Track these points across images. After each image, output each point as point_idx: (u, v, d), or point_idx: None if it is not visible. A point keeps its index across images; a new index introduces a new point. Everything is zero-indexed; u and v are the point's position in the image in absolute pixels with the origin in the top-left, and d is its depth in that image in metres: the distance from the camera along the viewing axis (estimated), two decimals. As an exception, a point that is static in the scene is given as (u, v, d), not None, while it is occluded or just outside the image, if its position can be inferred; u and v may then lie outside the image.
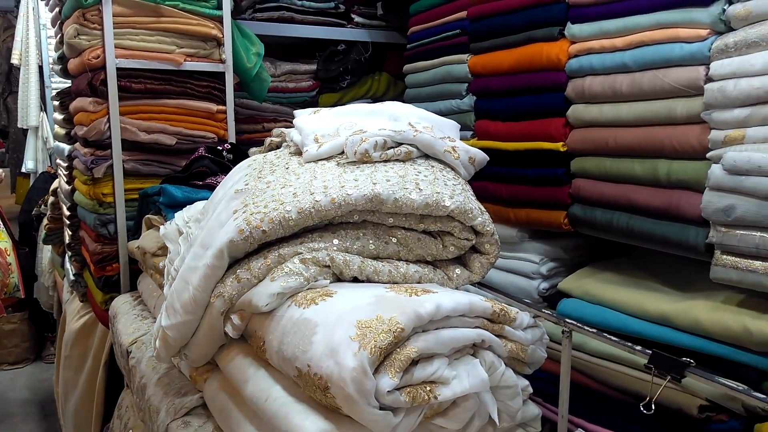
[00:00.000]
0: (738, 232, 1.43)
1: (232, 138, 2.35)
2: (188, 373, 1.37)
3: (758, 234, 1.39)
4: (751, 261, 1.42)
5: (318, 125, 1.43)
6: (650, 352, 0.94)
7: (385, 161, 1.29)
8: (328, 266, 1.14)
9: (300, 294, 1.10)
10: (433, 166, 1.31)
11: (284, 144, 1.55)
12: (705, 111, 1.52)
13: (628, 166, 1.75)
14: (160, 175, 2.22)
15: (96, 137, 2.13)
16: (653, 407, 0.98)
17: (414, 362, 0.94)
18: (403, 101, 2.73)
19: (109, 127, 2.11)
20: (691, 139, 1.57)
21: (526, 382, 1.09)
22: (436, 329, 0.98)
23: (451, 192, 1.20)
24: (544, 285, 2.08)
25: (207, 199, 1.81)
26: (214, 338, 1.21)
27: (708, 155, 1.51)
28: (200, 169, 2.02)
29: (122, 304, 2.00)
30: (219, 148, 2.14)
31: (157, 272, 1.79)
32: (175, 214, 1.74)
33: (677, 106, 1.60)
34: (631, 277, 1.88)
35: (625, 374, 1.64)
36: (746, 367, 1.47)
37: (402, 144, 1.33)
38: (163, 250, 1.77)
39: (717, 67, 1.48)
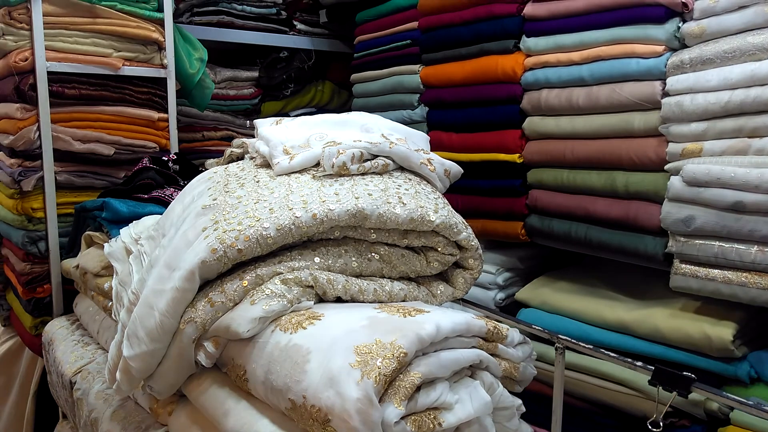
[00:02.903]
0: (697, 241, 1.48)
1: (174, 147, 2.22)
2: (148, 405, 1.26)
3: (717, 243, 1.44)
4: (710, 270, 1.47)
5: (286, 136, 1.36)
6: (653, 368, 0.94)
7: (363, 174, 1.24)
8: (311, 286, 1.08)
9: (284, 318, 1.03)
10: (410, 179, 1.27)
11: (247, 155, 1.46)
12: (662, 125, 1.57)
13: (585, 177, 1.79)
14: (96, 188, 2.06)
15: (24, 147, 1.95)
16: (661, 425, 0.98)
17: (417, 388, 0.89)
18: (350, 110, 2.70)
19: (40, 135, 1.94)
20: (648, 151, 1.62)
21: (519, 401, 1.06)
22: (436, 351, 0.94)
23: (435, 206, 1.17)
24: (501, 295, 2.09)
25: (155, 213, 1.70)
26: (183, 367, 1.11)
27: (666, 167, 1.56)
28: (145, 181, 1.89)
29: (58, 329, 1.83)
30: (164, 158, 2.01)
31: (100, 294, 1.65)
32: (121, 231, 1.61)
33: (634, 120, 1.65)
34: (586, 286, 1.91)
35: (595, 385, 1.65)
36: (707, 372, 1.53)
37: (378, 156, 1.29)
38: (108, 270, 1.64)
39: (673, 82, 1.54)
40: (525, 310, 1.94)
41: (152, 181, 1.88)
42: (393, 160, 1.30)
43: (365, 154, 1.27)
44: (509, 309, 2.04)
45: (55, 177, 1.99)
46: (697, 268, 1.50)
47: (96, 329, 1.68)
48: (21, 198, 1.97)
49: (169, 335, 1.09)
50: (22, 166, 1.97)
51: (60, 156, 2.01)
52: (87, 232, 1.79)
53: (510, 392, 1.07)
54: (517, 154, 1.96)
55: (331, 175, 1.22)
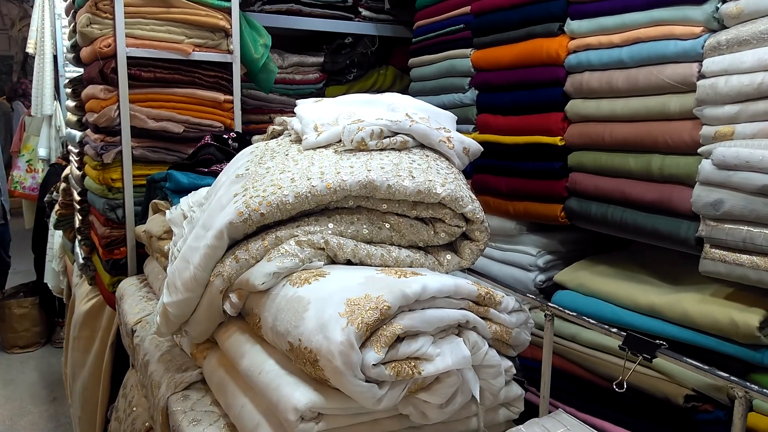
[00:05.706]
0: (726, 226, 1.46)
1: (238, 127, 2.40)
2: (189, 350, 1.42)
3: (745, 228, 1.42)
4: (738, 255, 1.45)
5: (318, 114, 1.47)
6: (624, 334, 0.98)
7: (381, 150, 1.34)
8: (323, 248, 1.19)
9: (295, 274, 1.14)
10: (427, 156, 1.35)
11: (285, 132, 1.60)
12: (697, 107, 1.55)
13: (622, 160, 1.79)
14: (167, 162, 2.28)
15: (106, 124, 2.19)
16: (625, 386, 1.02)
17: (400, 339, 0.98)
18: (409, 95, 2.79)
19: (119, 114, 2.17)
20: (683, 134, 1.60)
21: (510, 363, 1.13)
22: (423, 309, 1.02)
23: (443, 180, 1.24)
24: (541, 277, 2.12)
25: (211, 185, 1.88)
26: (213, 316, 1.26)
27: (699, 150, 1.54)
28: (206, 156, 2.07)
29: (128, 286, 2.06)
30: (225, 136, 2.19)
31: (162, 255, 1.85)
32: (181, 200, 1.79)
33: (671, 102, 1.63)
34: (625, 270, 1.91)
35: (617, 365, 1.67)
36: (733, 358, 1.51)
37: (398, 133, 1.37)
38: (169, 234, 1.83)
39: (709, 64, 1.51)
40: (561, 291, 1.96)
41: (212, 157, 2.06)
42: (413, 138, 1.38)
43: (385, 131, 1.36)
44: (549, 291, 2.07)
45: (132, 151, 2.22)
46: (725, 252, 1.48)
47: (158, 287, 1.89)
48: (102, 169, 2.23)
49: (202, 286, 1.24)
50: (104, 141, 2.22)
51: (136, 133, 2.24)
52: (154, 201, 2.00)
53: (504, 355, 1.14)
54: (559, 137, 1.97)
55: (351, 150, 1.33)
